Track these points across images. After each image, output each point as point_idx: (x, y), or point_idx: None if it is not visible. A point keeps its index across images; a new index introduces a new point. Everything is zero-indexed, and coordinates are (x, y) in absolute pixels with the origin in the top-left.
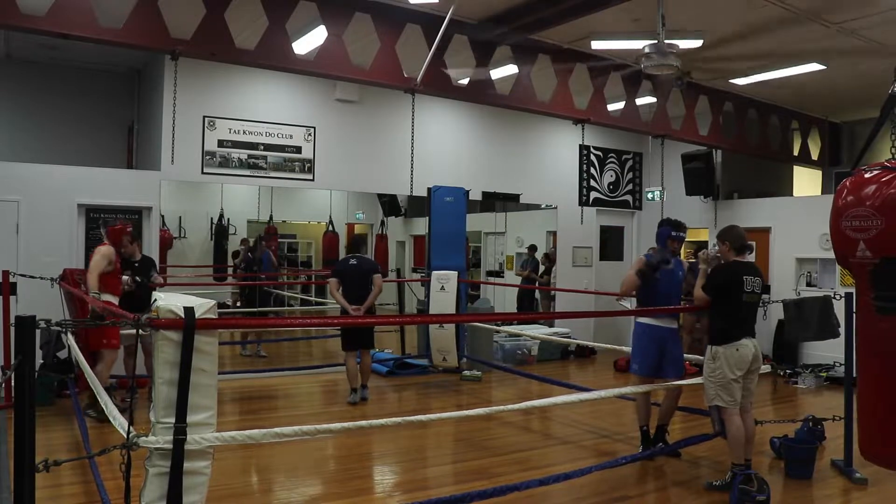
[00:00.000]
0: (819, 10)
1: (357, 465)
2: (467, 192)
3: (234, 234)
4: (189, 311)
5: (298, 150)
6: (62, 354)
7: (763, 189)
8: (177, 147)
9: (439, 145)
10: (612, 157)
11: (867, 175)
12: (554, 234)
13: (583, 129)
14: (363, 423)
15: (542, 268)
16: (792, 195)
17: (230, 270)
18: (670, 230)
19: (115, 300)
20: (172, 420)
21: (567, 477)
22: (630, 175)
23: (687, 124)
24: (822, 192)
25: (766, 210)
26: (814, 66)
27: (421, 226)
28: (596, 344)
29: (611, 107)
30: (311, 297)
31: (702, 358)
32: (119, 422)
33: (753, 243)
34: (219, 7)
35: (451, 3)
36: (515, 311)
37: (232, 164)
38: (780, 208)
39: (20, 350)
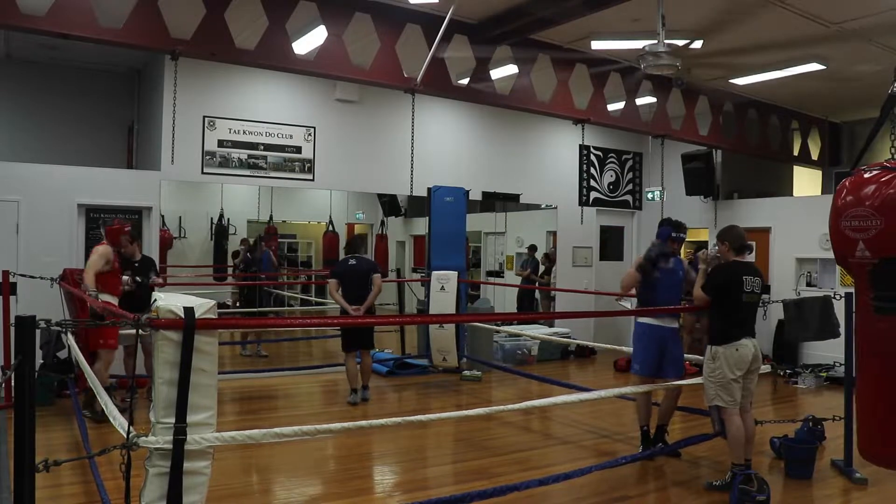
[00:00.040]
0: (819, 10)
1: (357, 465)
2: (467, 192)
3: (234, 234)
4: (189, 311)
5: (298, 150)
6: (62, 354)
7: (763, 189)
8: (177, 147)
9: (439, 145)
10: (612, 157)
11: (866, 175)
12: (554, 234)
13: (583, 129)
14: (363, 423)
15: (542, 268)
16: (792, 195)
17: (230, 270)
18: (671, 231)
19: (114, 300)
20: (172, 420)
21: (567, 477)
22: (630, 175)
23: (687, 124)
24: (822, 192)
25: (766, 210)
26: (814, 66)
27: (421, 226)
28: (596, 344)
29: (611, 107)
30: (311, 297)
31: (702, 358)
32: (119, 422)
33: (753, 243)
34: (219, 7)
35: (451, 3)
36: (515, 311)
37: (232, 164)
38: (780, 208)
39: (20, 350)
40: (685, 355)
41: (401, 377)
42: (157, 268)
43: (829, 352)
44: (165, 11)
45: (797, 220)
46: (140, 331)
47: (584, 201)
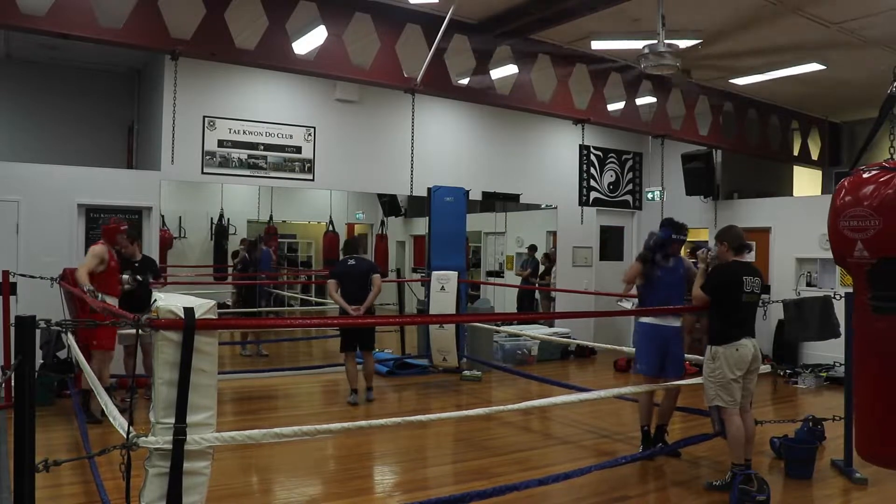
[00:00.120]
0: (819, 11)
1: (357, 465)
2: (467, 192)
3: (234, 234)
4: (189, 311)
5: (298, 150)
6: (62, 354)
7: (763, 189)
8: (177, 147)
9: (439, 145)
10: (612, 157)
11: (865, 175)
12: (554, 234)
13: (583, 129)
14: (363, 423)
15: (542, 268)
16: (792, 195)
17: (230, 270)
18: (671, 232)
19: (112, 301)
20: (172, 420)
21: (567, 477)
22: (630, 175)
23: (687, 124)
24: (822, 192)
25: (766, 210)
26: (814, 66)
27: (421, 226)
28: (596, 344)
29: (611, 107)
30: (311, 297)
31: (702, 358)
32: (119, 422)
33: (753, 243)
34: (219, 7)
35: (451, 3)
36: (515, 311)
37: (232, 164)
38: (780, 208)
39: (20, 350)
40: (685, 355)
41: (401, 377)
42: (158, 268)
43: (829, 352)
44: (165, 11)
45: (797, 220)
46: (140, 331)
47: (584, 201)
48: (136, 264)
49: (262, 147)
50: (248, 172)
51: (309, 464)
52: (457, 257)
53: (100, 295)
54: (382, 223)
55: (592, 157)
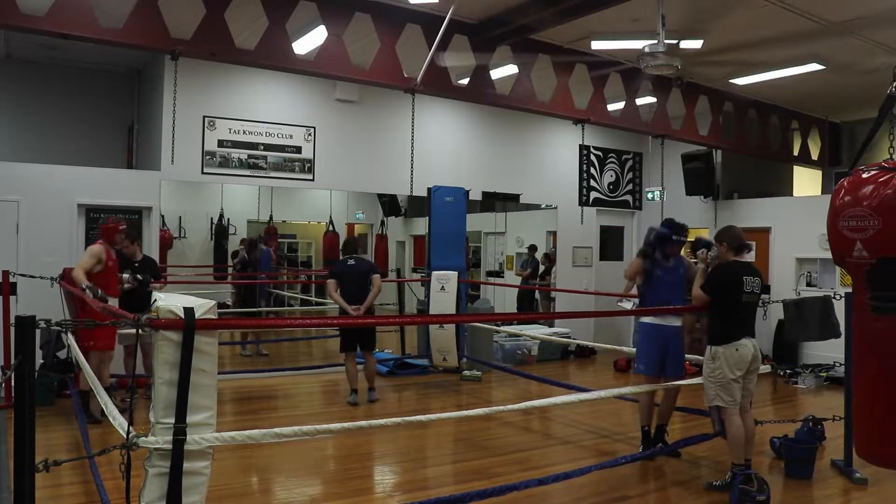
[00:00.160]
0: (819, 10)
1: (357, 465)
2: (467, 192)
3: (234, 234)
4: (189, 311)
5: (298, 150)
6: (62, 354)
7: (763, 189)
8: (177, 147)
9: (439, 145)
10: (612, 157)
11: (865, 175)
12: (554, 234)
13: (583, 129)
14: (363, 423)
15: (542, 268)
16: (792, 195)
17: (230, 270)
18: (671, 233)
19: (112, 301)
20: (172, 420)
21: (567, 477)
22: (630, 175)
23: (687, 124)
24: (822, 192)
25: (766, 210)
26: (814, 66)
27: (421, 226)
28: (596, 344)
29: (611, 107)
30: (311, 297)
31: (702, 358)
32: (119, 422)
33: (753, 243)
34: (219, 7)
35: (451, 3)
36: (515, 311)
37: (232, 164)
38: (780, 208)
39: (20, 350)
40: (685, 355)
41: (401, 377)
42: (158, 268)
43: (829, 352)
44: (165, 11)
45: (797, 220)
46: (140, 331)
47: (584, 201)
48: (137, 264)
49: (262, 147)
50: (248, 172)
51: (309, 464)
52: (457, 257)
53: (100, 291)
54: (382, 223)
55: (592, 157)
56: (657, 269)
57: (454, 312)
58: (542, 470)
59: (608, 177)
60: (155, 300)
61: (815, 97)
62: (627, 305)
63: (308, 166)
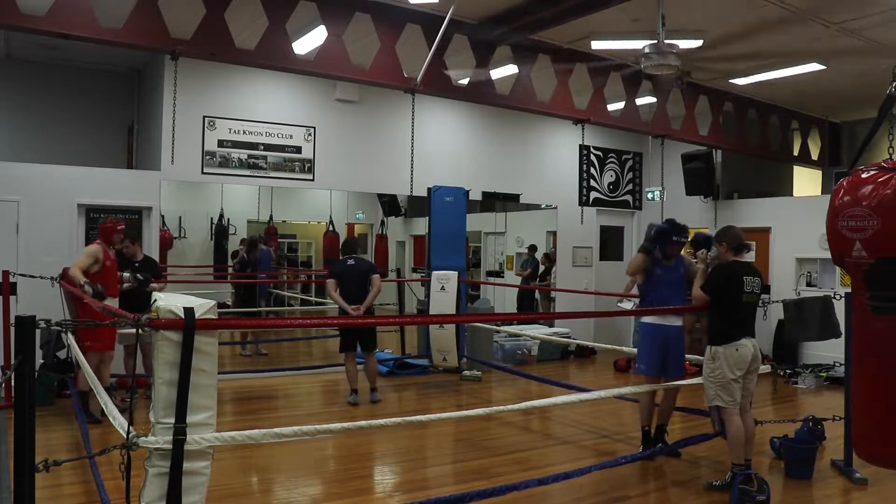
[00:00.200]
0: (819, 10)
1: (357, 465)
2: (467, 192)
3: (234, 234)
4: (189, 311)
5: (298, 150)
6: (62, 354)
7: (763, 189)
8: (177, 147)
9: (439, 145)
10: (612, 157)
11: (864, 175)
12: (554, 234)
13: (583, 129)
14: (363, 423)
15: (542, 268)
16: (792, 195)
17: (230, 270)
18: (671, 234)
19: (111, 301)
20: (172, 420)
21: (567, 476)
22: (630, 175)
23: (687, 124)
24: (822, 192)
25: (766, 210)
26: (814, 66)
27: (421, 226)
28: (596, 344)
29: (611, 107)
30: (311, 297)
31: (702, 358)
32: (119, 422)
33: (753, 243)
34: (219, 7)
35: (451, 3)
36: (515, 311)
37: (232, 164)
38: (780, 208)
39: (20, 350)
40: (685, 355)
41: (401, 377)
42: (159, 268)
43: (829, 352)
44: (165, 11)
45: (797, 220)
46: (140, 331)
47: (584, 201)
48: (137, 264)
49: (262, 147)
50: (248, 172)
51: (309, 464)
52: (457, 257)
53: (99, 286)
54: (382, 223)
55: (592, 157)
56: (657, 269)
57: (454, 312)
58: (542, 470)
59: (608, 177)
60: (155, 300)
61: (815, 97)
62: (627, 305)
63: (308, 166)
